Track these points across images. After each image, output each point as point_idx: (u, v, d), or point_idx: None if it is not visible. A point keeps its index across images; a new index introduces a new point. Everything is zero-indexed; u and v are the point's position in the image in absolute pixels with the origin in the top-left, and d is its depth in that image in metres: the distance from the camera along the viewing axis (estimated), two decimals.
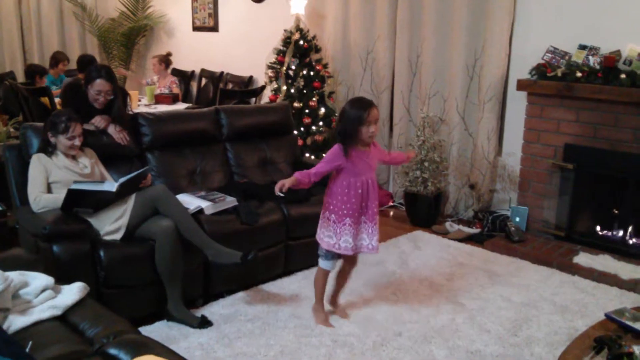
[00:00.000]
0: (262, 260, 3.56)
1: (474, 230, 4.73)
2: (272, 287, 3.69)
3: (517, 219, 4.64)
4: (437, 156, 4.95)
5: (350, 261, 3.22)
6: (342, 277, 3.30)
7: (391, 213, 5.38)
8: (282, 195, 2.89)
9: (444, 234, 4.77)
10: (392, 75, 5.51)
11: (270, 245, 3.71)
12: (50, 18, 7.80)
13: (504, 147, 4.92)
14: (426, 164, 4.93)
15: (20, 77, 7.05)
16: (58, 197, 3.13)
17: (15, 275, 2.30)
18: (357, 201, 2.95)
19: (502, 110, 4.85)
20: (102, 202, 3.14)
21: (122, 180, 3.16)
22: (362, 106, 2.83)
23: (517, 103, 4.70)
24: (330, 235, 2.99)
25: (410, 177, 5.03)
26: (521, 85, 4.47)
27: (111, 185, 3.11)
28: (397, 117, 5.47)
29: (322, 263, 3.13)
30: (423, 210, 5.01)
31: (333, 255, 3.09)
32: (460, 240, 4.63)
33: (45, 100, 5.60)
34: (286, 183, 2.87)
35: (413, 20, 5.20)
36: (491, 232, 4.68)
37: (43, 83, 6.14)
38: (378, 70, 5.55)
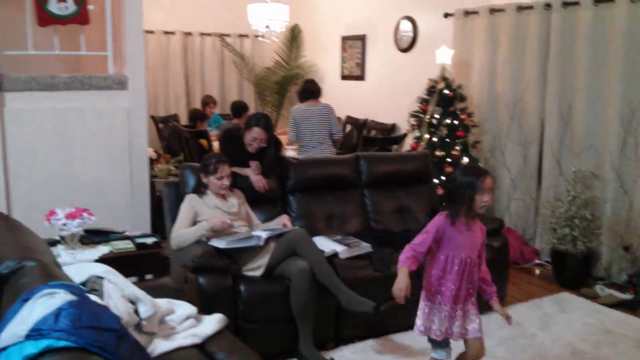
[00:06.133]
0: (394, 309, 3.53)
1: (627, 296, 4.34)
2: (403, 337, 3.62)
3: None
4: (588, 213, 4.64)
5: (471, 347, 2.68)
6: None
7: (537, 271, 5.10)
8: None
9: (594, 297, 4.42)
10: (541, 126, 5.30)
11: None
12: (212, 66, 8.51)
13: None
14: (577, 221, 4.64)
15: (184, 120, 7.71)
16: (191, 230, 3.39)
17: (163, 303, 2.49)
18: (453, 279, 2.61)
19: None
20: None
21: (269, 235, 3.38)
22: (476, 173, 2.61)
23: None
24: (419, 315, 2.66)
25: (558, 234, 4.75)
26: None
27: (258, 239, 3.32)
28: (546, 169, 5.23)
29: (432, 353, 2.71)
30: (571, 271, 4.69)
31: (440, 343, 2.66)
32: (611, 305, 4.26)
33: (203, 142, 6.08)
34: (402, 284, 2.49)
35: (565, 69, 4.99)
36: None
37: (203, 127, 6.68)
38: (527, 120, 5.37)
